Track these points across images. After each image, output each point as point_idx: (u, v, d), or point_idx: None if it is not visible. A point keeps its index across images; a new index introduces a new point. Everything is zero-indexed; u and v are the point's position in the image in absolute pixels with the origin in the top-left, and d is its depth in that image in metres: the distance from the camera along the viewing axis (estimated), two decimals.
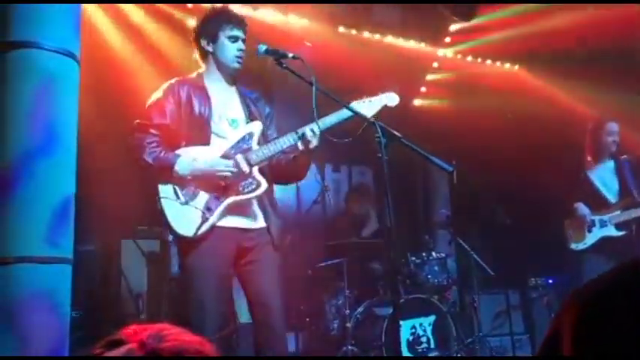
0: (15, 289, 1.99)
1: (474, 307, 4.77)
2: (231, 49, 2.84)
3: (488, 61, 6.53)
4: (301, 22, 5.31)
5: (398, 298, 3.08)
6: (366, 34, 5.74)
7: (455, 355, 4.35)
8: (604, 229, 4.25)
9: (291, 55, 2.58)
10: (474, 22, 5.71)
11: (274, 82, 5.39)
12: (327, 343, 4.55)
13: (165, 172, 2.66)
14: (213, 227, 2.66)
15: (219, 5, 3.00)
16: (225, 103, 2.88)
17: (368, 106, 2.79)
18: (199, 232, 2.62)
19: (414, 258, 4.64)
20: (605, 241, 4.22)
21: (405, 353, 4.15)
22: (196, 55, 2.97)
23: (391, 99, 2.78)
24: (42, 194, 2.07)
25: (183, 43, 4.78)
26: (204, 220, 2.62)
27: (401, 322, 3.99)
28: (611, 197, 4.30)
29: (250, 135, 2.80)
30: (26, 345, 1.97)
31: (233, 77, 2.94)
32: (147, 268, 4.30)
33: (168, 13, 4.80)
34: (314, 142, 2.72)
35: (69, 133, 2.23)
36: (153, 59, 4.64)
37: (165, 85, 2.83)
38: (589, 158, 4.45)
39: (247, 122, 2.87)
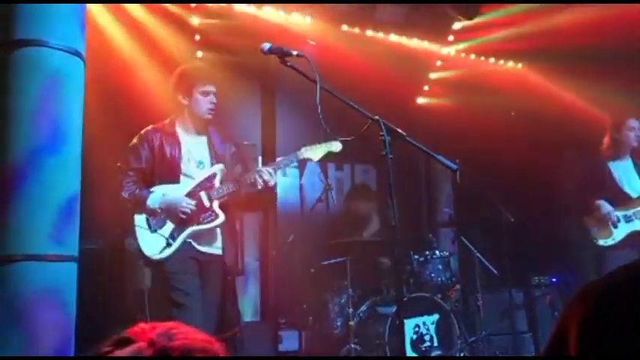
0: (22, 287, 2.00)
1: (477, 306, 4.76)
2: (204, 103, 3.28)
3: (492, 60, 6.50)
4: (304, 20, 5.30)
5: (401, 297, 3.07)
6: (370, 33, 5.73)
7: (458, 354, 4.34)
8: (630, 224, 4.28)
9: (295, 52, 2.56)
10: (478, 20, 5.68)
11: (277, 80, 5.40)
12: (330, 342, 4.54)
13: (140, 206, 3.15)
14: (181, 245, 3.13)
15: (194, 64, 3.50)
16: (194, 147, 3.33)
17: (316, 151, 3.25)
18: (162, 255, 3.10)
19: (417, 257, 4.63)
20: (632, 235, 4.25)
21: (409, 352, 4.14)
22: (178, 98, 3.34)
23: (336, 146, 3.25)
24: (48, 192, 2.07)
25: (186, 41, 4.81)
26: (168, 245, 3.11)
27: (404, 321, 3.97)
28: (633, 193, 4.33)
29: (214, 175, 3.27)
30: (32, 343, 1.97)
31: (203, 124, 3.36)
32: (150, 267, 4.30)
33: (172, 12, 4.79)
34: (272, 182, 3.17)
35: (74, 131, 2.24)
36: (156, 57, 4.63)
37: (142, 132, 3.28)
38: (609, 155, 4.46)
39: (213, 163, 3.33)
